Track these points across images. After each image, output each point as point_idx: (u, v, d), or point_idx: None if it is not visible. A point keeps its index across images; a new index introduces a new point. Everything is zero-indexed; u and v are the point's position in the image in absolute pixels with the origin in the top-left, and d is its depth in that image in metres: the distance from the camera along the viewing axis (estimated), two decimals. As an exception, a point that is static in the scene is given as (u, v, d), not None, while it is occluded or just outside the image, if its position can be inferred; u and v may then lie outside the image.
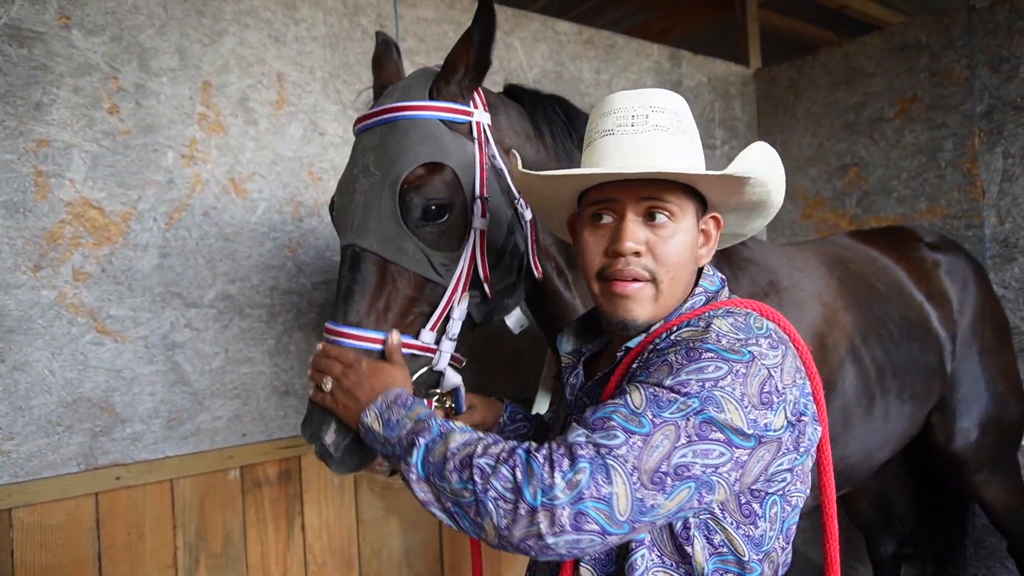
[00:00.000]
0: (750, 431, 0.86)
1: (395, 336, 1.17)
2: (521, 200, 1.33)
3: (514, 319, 1.43)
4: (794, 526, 1.00)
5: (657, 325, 1.02)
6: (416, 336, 1.21)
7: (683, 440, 0.83)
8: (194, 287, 1.87)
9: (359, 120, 1.31)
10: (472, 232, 1.25)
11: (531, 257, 1.37)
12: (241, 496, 1.95)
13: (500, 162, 1.31)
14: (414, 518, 2.26)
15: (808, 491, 1.00)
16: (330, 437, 1.14)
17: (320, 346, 1.17)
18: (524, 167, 1.37)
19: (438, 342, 1.24)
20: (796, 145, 3.34)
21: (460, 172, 1.25)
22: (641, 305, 1.00)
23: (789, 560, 1.01)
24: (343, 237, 1.25)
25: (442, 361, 1.24)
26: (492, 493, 0.83)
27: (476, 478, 0.85)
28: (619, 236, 0.98)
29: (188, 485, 1.86)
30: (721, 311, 0.98)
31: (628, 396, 0.88)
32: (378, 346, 1.16)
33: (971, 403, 2.19)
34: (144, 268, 1.80)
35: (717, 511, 0.93)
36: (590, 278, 1.04)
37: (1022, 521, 2.32)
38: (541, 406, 1.70)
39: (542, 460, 0.83)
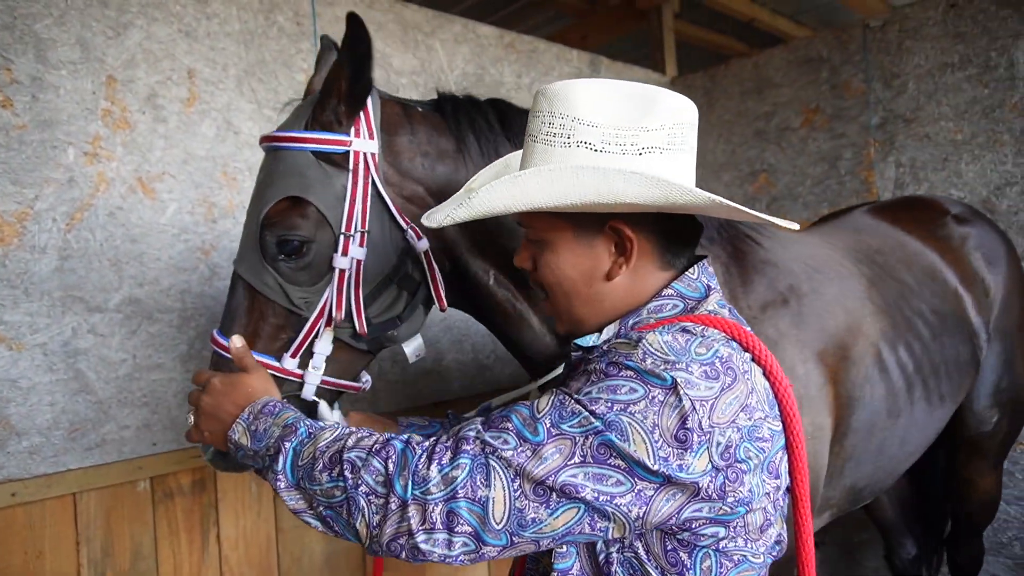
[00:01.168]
0: (655, 467, 0.77)
1: (236, 340, 1.12)
2: (410, 232, 1.27)
3: (412, 348, 1.37)
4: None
5: (615, 329, 0.95)
6: (279, 360, 1.24)
7: (577, 459, 0.77)
8: (98, 291, 1.78)
9: (262, 140, 1.33)
10: (333, 271, 1.23)
11: (432, 287, 1.32)
12: (152, 508, 1.86)
13: (384, 192, 1.26)
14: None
15: (767, 551, 0.88)
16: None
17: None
18: (437, 190, 1.32)
19: (302, 368, 1.25)
20: (711, 151, 3.47)
21: (325, 207, 1.21)
22: (555, 320, 1.02)
23: None
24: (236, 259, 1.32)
25: (307, 391, 1.25)
26: (363, 488, 0.79)
27: (347, 473, 0.80)
28: (516, 254, 1.03)
29: (93, 499, 1.77)
30: (675, 327, 0.87)
31: (537, 400, 0.84)
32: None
33: (993, 387, 2.07)
34: (42, 271, 1.70)
35: (641, 552, 0.85)
36: None
37: (990, 517, 2.28)
38: None
39: (419, 452, 0.80)
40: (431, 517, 0.76)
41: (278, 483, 0.87)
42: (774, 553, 0.89)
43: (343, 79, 1.22)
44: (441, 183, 1.32)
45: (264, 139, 1.30)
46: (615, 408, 0.77)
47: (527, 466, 0.76)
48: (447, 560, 0.79)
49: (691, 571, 0.83)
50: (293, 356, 1.23)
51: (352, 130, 1.25)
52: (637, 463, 0.77)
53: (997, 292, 2.07)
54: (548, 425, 0.78)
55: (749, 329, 0.91)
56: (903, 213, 2.18)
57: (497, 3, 4.45)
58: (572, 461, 0.76)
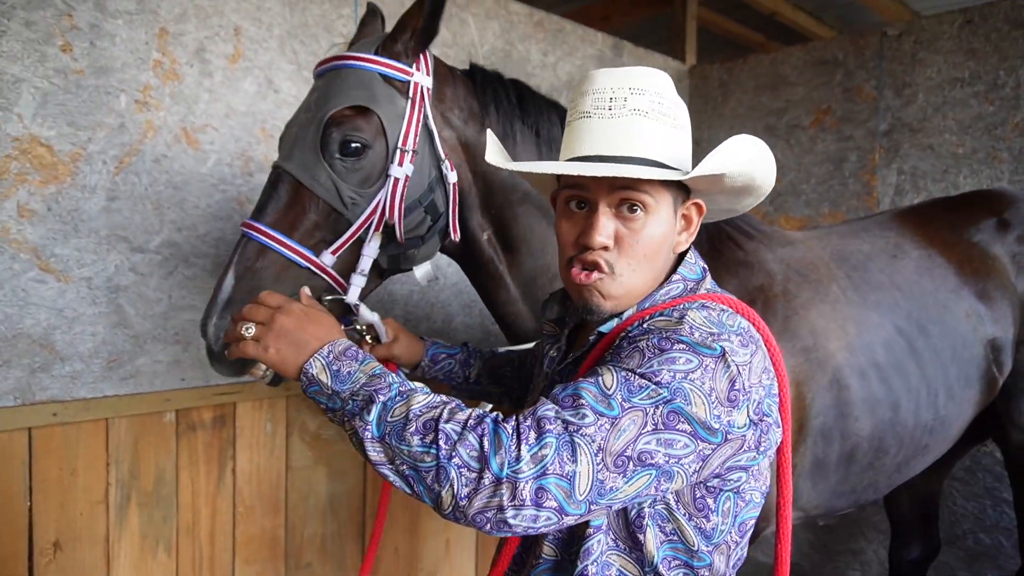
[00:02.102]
0: (716, 426, 0.86)
1: (306, 290, 1.16)
2: (447, 163, 1.44)
3: (422, 272, 1.54)
4: (751, 520, 1.00)
5: (631, 312, 1.02)
6: (316, 254, 1.33)
7: (649, 427, 0.84)
8: (141, 232, 1.89)
9: (317, 66, 1.45)
10: (388, 178, 1.37)
11: (450, 218, 1.49)
12: (175, 438, 2.00)
13: (432, 123, 1.43)
14: (341, 467, 2.37)
15: (764, 491, 1.01)
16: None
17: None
18: (465, 142, 1.49)
19: (345, 275, 1.36)
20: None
21: (386, 121, 1.37)
22: (602, 295, 1.01)
23: (745, 553, 1.03)
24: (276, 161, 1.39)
25: (352, 295, 1.36)
26: (456, 460, 0.82)
27: (441, 443, 0.83)
28: (589, 230, 0.99)
29: (123, 425, 1.90)
30: (697, 304, 0.98)
31: (600, 377, 0.88)
32: (280, 248, 1.28)
33: None
34: (91, 210, 1.81)
35: (672, 502, 0.94)
36: (563, 264, 1.05)
37: None
38: None
39: (510, 431, 0.83)
40: (521, 494, 0.80)
41: (364, 432, 0.88)
42: (766, 490, 1.02)
43: (420, 16, 1.38)
44: (467, 137, 1.50)
45: (329, 59, 1.41)
46: (677, 377, 0.86)
47: (608, 439, 0.83)
48: (528, 531, 0.84)
49: (714, 513, 0.95)
50: (333, 253, 1.33)
51: (414, 64, 1.42)
52: (701, 424, 0.86)
53: None
54: (620, 400, 0.85)
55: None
56: (938, 214, 2.13)
57: (524, -25, 4.47)
58: (646, 430, 0.84)
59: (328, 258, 1.33)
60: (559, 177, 1.08)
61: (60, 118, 1.75)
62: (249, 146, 2.08)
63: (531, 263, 1.60)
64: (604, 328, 1.03)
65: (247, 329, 1.00)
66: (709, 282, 1.08)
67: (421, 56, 1.45)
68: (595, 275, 1.00)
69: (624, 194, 0.98)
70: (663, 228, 1.01)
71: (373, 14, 1.62)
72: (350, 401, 0.92)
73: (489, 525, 0.83)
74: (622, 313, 1.03)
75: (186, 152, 1.96)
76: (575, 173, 0.96)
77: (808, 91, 3.28)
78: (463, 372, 1.57)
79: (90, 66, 1.79)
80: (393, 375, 0.95)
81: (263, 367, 1.19)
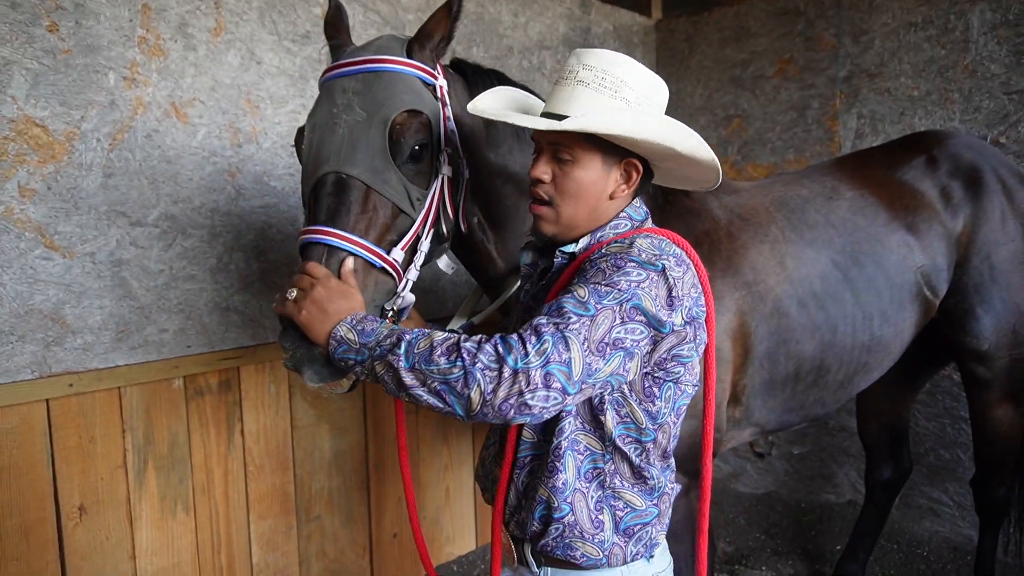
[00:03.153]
0: (664, 318, 1.11)
1: (350, 262, 1.30)
2: (463, 160, 1.54)
3: (445, 262, 1.65)
4: (684, 407, 1.26)
5: (587, 241, 1.25)
6: (388, 253, 1.39)
7: (618, 320, 1.08)
8: (138, 207, 1.95)
9: (338, 66, 1.45)
10: (440, 176, 1.46)
11: (463, 209, 1.58)
12: (185, 403, 2.10)
13: (453, 124, 1.51)
14: (343, 424, 2.49)
15: (698, 382, 1.25)
16: (310, 365, 1.24)
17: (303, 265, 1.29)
18: (468, 135, 1.59)
19: (405, 269, 1.43)
20: (689, 95, 3.67)
21: (433, 123, 1.44)
22: (545, 223, 1.25)
23: (678, 433, 1.27)
24: (323, 166, 1.36)
25: (407, 287, 1.44)
26: (479, 364, 1.02)
27: (464, 355, 1.03)
28: (533, 166, 1.25)
29: (135, 393, 1.99)
30: (643, 235, 1.21)
31: (574, 292, 1.10)
32: (362, 251, 1.32)
33: (992, 323, 2.18)
34: (89, 187, 1.86)
35: (626, 390, 1.18)
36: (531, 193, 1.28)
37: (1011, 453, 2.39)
38: (454, 327, 1.90)
39: (516, 339, 1.04)
40: (535, 380, 1.01)
41: (398, 363, 1.06)
42: (696, 383, 1.27)
43: (448, 21, 1.46)
44: (467, 130, 1.58)
45: (368, 60, 1.43)
46: (631, 286, 1.10)
47: (591, 331, 1.06)
48: (543, 412, 1.05)
49: (659, 399, 1.20)
50: (403, 249, 1.41)
51: (437, 67, 1.50)
52: (653, 317, 1.11)
53: (973, 231, 2.16)
54: (594, 303, 1.08)
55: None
56: (876, 157, 2.31)
57: (488, -66, 4.46)
58: (616, 323, 1.08)
59: (398, 254, 1.40)
60: None
61: (52, 98, 1.79)
62: (236, 118, 2.13)
63: (515, 240, 1.73)
64: (566, 248, 1.26)
65: (290, 292, 1.20)
66: (650, 223, 1.32)
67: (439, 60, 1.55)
68: (541, 208, 1.26)
69: (555, 146, 1.23)
70: (589, 175, 1.23)
71: (339, 9, 1.64)
72: (378, 347, 1.10)
73: (512, 411, 1.03)
74: (577, 240, 1.26)
75: (176, 126, 2.01)
76: (513, 123, 1.24)
77: (771, 42, 3.39)
78: None
79: (77, 45, 1.82)
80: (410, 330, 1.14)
81: (345, 382, 1.32)
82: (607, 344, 1.07)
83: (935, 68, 2.91)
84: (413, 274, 1.44)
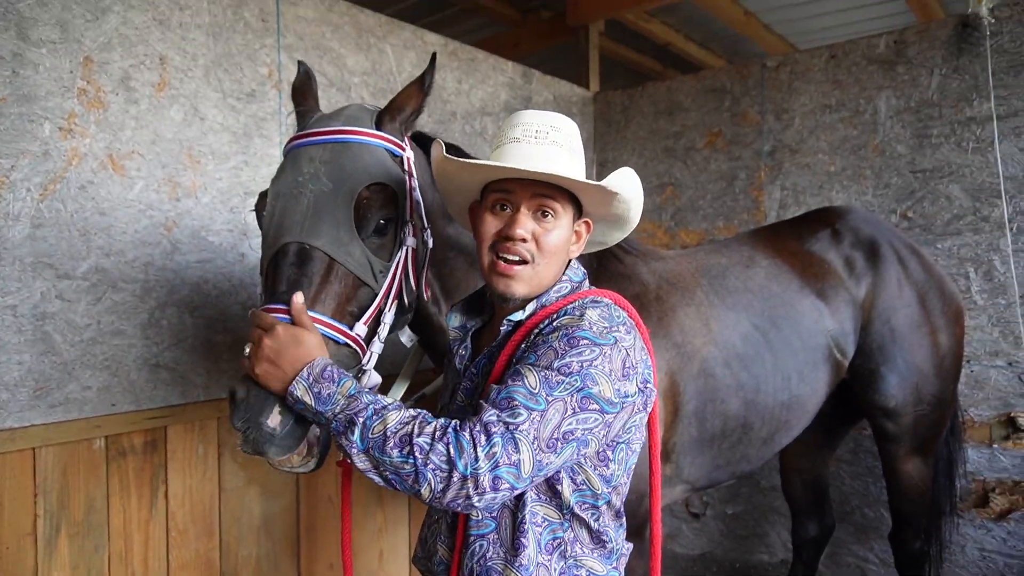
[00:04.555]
0: (616, 400, 1.12)
1: (299, 296, 1.24)
2: (428, 231, 1.53)
3: (407, 335, 1.62)
4: (634, 465, 1.27)
5: (533, 308, 1.24)
6: (351, 328, 1.35)
7: (569, 412, 1.08)
8: (67, 259, 1.89)
9: (306, 135, 1.44)
10: (404, 247, 1.45)
11: (424, 279, 1.57)
12: (105, 465, 1.99)
13: (419, 195, 1.51)
14: (274, 487, 2.40)
15: (644, 438, 1.30)
16: (274, 419, 1.19)
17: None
18: (429, 207, 1.57)
19: (369, 342, 1.40)
20: (625, 163, 3.83)
21: (399, 196, 1.44)
22: (520, 282, 1.21)
23: (627, 490, 1.29)
24: (286, 235, 1.33)
25: (372, 360, 1.40)
26: (431, 465, 1.03)
27: (417, 454, 1.03)
28: (513, 224, 1.20)
29: (52, 454, 1.88)
30: (588, 301, 1.23)
31: (524, 378, 1.09)
32: (323, 328, 1.27)
33: (898, 382, 2.30)
34: (15, 237, 1.80)
35: (581, 458, 1.17)
36: (484, 251, 1.24)
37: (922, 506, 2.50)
38: (395, 394, 1.88)
39: (468, 438, 1.04)
40: (483, 485, 1.02)
41: (351, 448, 1.07)
42: (644, 440, 1.30)
43: (420, 96, 1.49)
44: (429, 202, 1.57)
45: (337, 131, 1.42)
46: (584, 366, 1.10)
47: (540, 429, 1.06)
48: (489, 507, 1.09)
49: (612, 462, 1.22)
50: (365, 324, 1.36)
51: (404, 140, 1.51)
52: (605, 401, 1.11)
53: (874, 297, 2.33)
54: (544, 395, 1.07)
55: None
56: (787, 230, 2.49)
57: (434, 5, 4.64)
58: (567, 414, 1.08)
59: (361, 329, 1.36)
60: (484, 190, 1.29)
61: (-18, 146, 1.74)
62: (176, 172, 2.11)
63: None
64: (513, 317, 1.25)
65: (246, 348, 1.21)
66: (587, 284, 1.34)
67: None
68: (518, 267, 1.22)
69: (541, 200, 1.22)
70: (564, 234, 1.25)
71: (308, 75, 1.66)
72: (333, 421, 1.11)
73: (460, 508, 1.06)
74: (526, 307, 1.25)
75: (112, 179, 1.98)
76: (518, 168, 1.18)
77: (701, 116, 3.59)
78: None
79: (12, 94, 1.79)
80: (367, 394, 1.13)
81: (311, 460, 1.30)
82: (558, 439, 1.08)
83: (848, 147, 3.14)
84: (377, 347, 1.41)
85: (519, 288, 1.22)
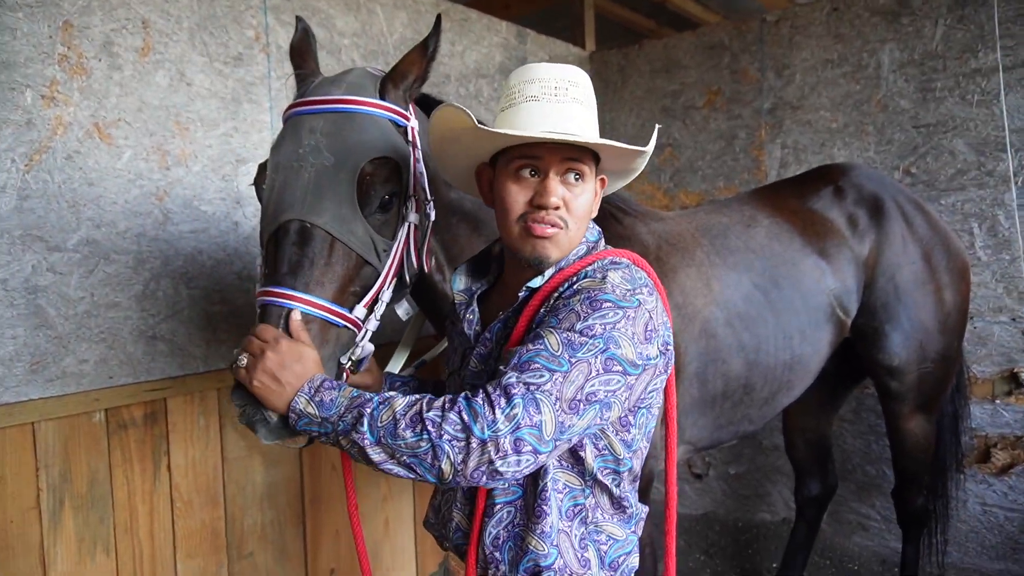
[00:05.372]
0: (639, 361, 1.09)
1: (296, 315, 1.22)
2: (431, 204, 1.46)
3: (404, 308, 1.55)
4: (653, 429, 1.25)
5: (552, 272, 1.19)
6: (351, 310, 1.31)
7: (593, 373, 1.04)
8: (57, 231, 1.86)
9: (306, 103, 1.37)
10: (407, 224, 1.39)
11: (426, 252, 1.50)
12: (106, 438, 1.98)
13: (422, 167, 1.44)
14: (276, 456, 2.40)
15: (662, 401, 1.26)
16: (263, 424, 1.18)
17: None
18: (433, 175, 1.50)
19: (365, 320, 1.35)
20: (623, 124, 3.77)
21: (403, 169, 1.38)
22: (555, 246, 1.17)
23: (647, 452, 1.27)
24: (287, 212, 1.28)
25: (367, 337, 1.36)
26: (446, 436, 0.99)
27: (429, 428, 0.99)
28: (545, 191, 1.14)
29: (51, 428, 1.87)
30: (608, 262, 1.19)
31: (546, 340, 1.06)
32: (323, 313, 1.24)
33: (903, 340, 2.29)
34: (2, 210, 1.76)
35: (604, 423, 1.12)
36: (511, 221, 1.17)
37: (925, 464, 2.51)
38: (397, 362, 1.86)
39: (481, 402, 1.00)
40: (504, 447, 0.98)
41: (363, 441, 1.03)
42: (662, 403, 1.27)
43: (424, 62, 1.41)
44: (432, 170, 1.51)
45: (338, 100, 1.35)
46: (607, 328, 1.07)
47: (563, 389, 1.02)
48: (516, 475, 1.02)
49: (633, 427, 1.19)
50: (364, 306, 1.32)
51: (408, 109, 1.44)
52: (628, 363, 1.08)
53: (878, 254, 2.29)
54: (568, 356, 1.04)
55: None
56: (788, 188, 2.44)
57: (424, -36, 4.51)
58: (591, 375, 1.05)
59: (361, 311, 1.32)
60: (504, 150, 1.21)
61: (-37, 116, 1.70)
62: (164, 140, 2.06)
63: None
64: (533, 284, 1.20)
65: (241, 359, 1.15)
66: (603, 243, 1.29)
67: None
68: (552, 230, 1.17)
69: (570, 164, 1.16)
70: (591, 195, 1.22)
71: (306, 32, 1.57)
72: (340, 422, 1.07)
73: (485, 478, 1.01)
74: (545, 271, 1.20)
75: (99, 148, 1.93)
76: (560, 138, 1.11)
77: (700, 74, 3.52)
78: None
79: (-8, 62, 1.74)
80: (368, 393, 1.11)
81: (301, 438, 1.23)
82: (580, 400, 1.04)
83: (851, 102, 3.08)
84: (373, 324, 1.37)
85: (554, 252, 1.18)
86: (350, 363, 1.34)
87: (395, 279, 1.40)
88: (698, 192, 3.55)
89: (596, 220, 1.89)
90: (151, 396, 2.06)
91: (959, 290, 2.40)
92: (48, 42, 1.83)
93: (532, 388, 1.01)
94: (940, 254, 2.36)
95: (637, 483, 1.28)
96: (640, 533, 1.29)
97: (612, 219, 1.97)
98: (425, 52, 1.42)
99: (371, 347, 1.39)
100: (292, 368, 1.13)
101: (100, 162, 1.93)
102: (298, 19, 1.57)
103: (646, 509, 1.32)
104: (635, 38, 3.97)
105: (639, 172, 1.39)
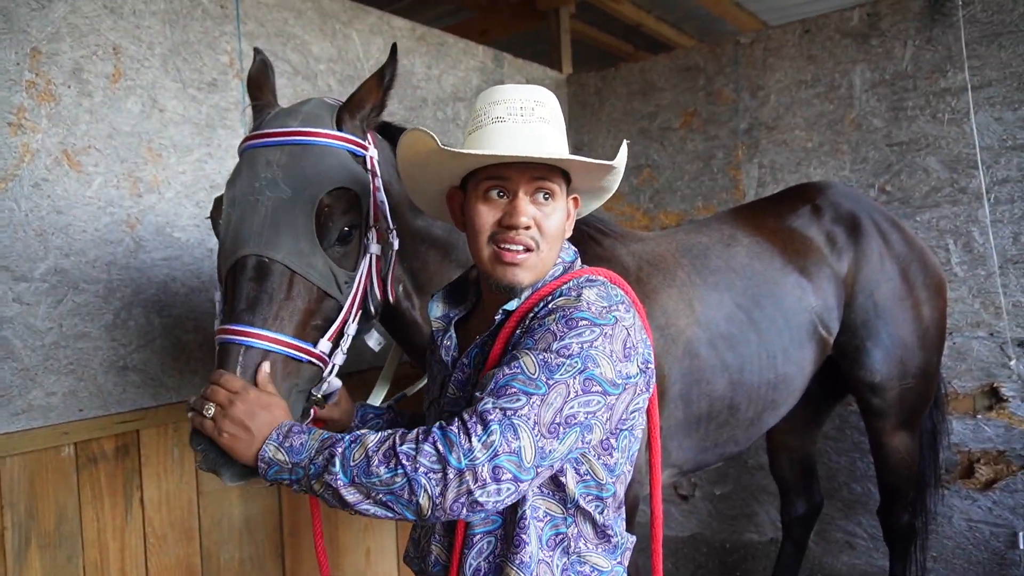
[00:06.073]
0: (619, 380, 1.06)
1: (266, 367, 1.20)
2: (394, 231, 1.45)
3: (375, 339, 1.54)
4: (636, 452, 1.22)
5: (528, 293, 1.17)
6: (315, 345, 1.29)
7: (572, 395, 1.02)
8: (23, 260, 1.81)
9: (261, 135, 1.35)
10: (369, 255, 1.37)
11: (390, 281, 1.49)
12: (75, 472, 1.92)
13: (383, 195, 1.42)
14: (254, 488, 2.34)
15: (645, 423, 1.23)
16: (227, 467, 1.16)
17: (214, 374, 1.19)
18: (396, 204, 1.49)
19: (331, 354, 1.33)
20: (600, 145, 3.79)
21: (362, 200, 1.36)
22: (526, 271, 1.15)
23: (630, 477, 1.24)
24: (243, 246, 1.26)
25: (334, 372, 1.34)
26: (422, 469, 0.95)
27: (404, 461, 0.96)
28: (514, 212, 1.12)
29: (17, 463, 1.80)
30: (584, 280, 1.17)
31: (522, 363, 1.03)
32: (286, 349, 1.22)
33: (884, 356, 2.28)
34: (-34, 240, 1.72)
35: (586, 447, 1.10)
36: (482, 243, 1.15)
37: (910, 480, 2.50)
38: (377, 396, 1.83)
39: (457, 430, 0.97)
40: (482, 476, 0.95)
41: (336, 482, 0.99)
42: (645, 425, 1.24)
43: (380, 92, 1.39)
44: (395, 198, 1.49)
45: (295, 132, 1.34)
46: (584, 347, 1.04)
47: (541, 413, 1.00)
48: (497, 505, 0.98)
49: (616, 450, 1.16)
50: (329, 340, 1.29)
51: (367, 138, 1.42)
52: (608, 382, 1.05)
53: (856, 272, 2.29)
54: (545, 379, 1.01)
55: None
56: (767, 207, 2.45)
57: (401, -9, 4.56)
58: (569, 397, 1.02)
59: (325, 345, 1.30)
60: (472, 173, 1.19)
61: (-74, 145, 1.65)
62: (136, 166, 2.03)
63: None
64: (509, 307, 1.18)
65: (208, 409, 1.12)
66: (579, 263, 1.28)
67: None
68: (523, 255, 1.15)
69: (540, 183, 1.15)
70: (563, 215, 1.20)
71: (264, 64, 1.57)
72: (311, 465, 1.04)
73: (465, 510, 0.98)
74: (521, 293, 1.18)
75: (68, 175, 1.89)
76: (525, 156, 1.10)
77: (675, 96, 3.55)
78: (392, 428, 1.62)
79: (-44, 89, 1.70)
80: (338, 434, 1.07)
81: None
82: (560, 424, 1.01)
83: (825, 122, 3.12)
84: (340, 358, 1.35)
85: (526, 277, 1.16)
86: (316, 399, 1.31)
87: (359, 311, 1.37)
88: (677, 212, 3.56)
89: (575, 242, 1.88)
90: (122, 428, 2.00)
91: (936, 306, 2.42)
92: (15, 68, 1.80)
93: (509, 413, 0.98)
94: (917, 270, 2.38)
95: (622, 510, 1.25)
96: (627, 563, 1.25)
97: (592, 241, 1.95)
98: (382, 81, 1.40)
99: (338, 382, 1.36)
100: (260, 416, 1.11)
101: (69, 190, 1.89)
102: (256, 51, 1.57)
103: (633, 539, 1.28)
104: (612, 61, 4.02)
105: (612, 191, 1.37)
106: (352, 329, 1.36)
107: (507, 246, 1.14)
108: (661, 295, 1.94)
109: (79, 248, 1.91)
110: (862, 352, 2.30)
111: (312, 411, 1.34)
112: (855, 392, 2.43)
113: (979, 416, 2.81)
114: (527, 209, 1.13)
